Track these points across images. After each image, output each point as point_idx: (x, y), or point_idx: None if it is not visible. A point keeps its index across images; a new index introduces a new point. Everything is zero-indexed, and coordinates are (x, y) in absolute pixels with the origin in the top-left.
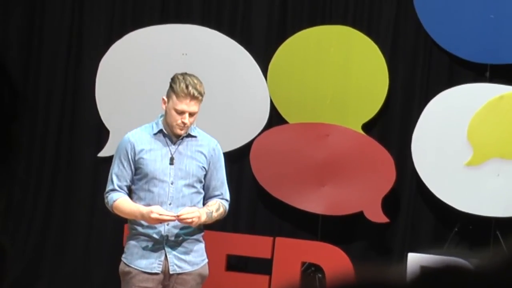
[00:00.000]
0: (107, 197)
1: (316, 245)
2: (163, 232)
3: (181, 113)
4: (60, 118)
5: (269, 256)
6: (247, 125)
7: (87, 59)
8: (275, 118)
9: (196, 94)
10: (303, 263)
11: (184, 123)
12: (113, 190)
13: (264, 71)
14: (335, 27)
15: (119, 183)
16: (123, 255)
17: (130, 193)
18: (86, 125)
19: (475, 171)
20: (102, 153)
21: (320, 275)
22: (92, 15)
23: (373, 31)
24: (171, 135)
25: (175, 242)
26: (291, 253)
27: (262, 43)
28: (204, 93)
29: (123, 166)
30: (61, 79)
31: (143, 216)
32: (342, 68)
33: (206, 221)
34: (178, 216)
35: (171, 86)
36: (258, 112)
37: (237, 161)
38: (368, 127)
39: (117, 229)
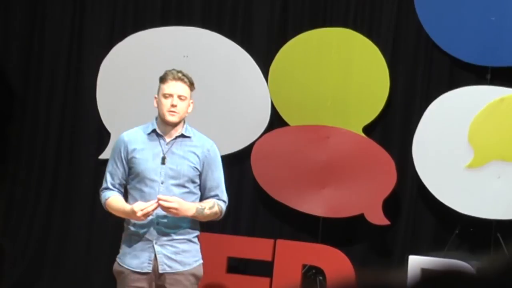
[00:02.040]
0: (101, 194)
1: (317, 247)
2: (153, 232)
3: (169, 96)
4: (61, 120)
5: (270, 259)
6: (248, 127)
7: (88, 61)
8: (276, 121)
9: (181, 75)
10: (304, 266)
11: (173, 106)
12: (107, 188)
13: (265, 73)
14: (336, 30)
15: (113, 182)
16: (118, 255)
17: (126, 192)
18: (87, 127)
19: (476, 174)
20: (103, 155)
21: (321, 278)
22: (93, 17)
23: (374, 33)
24: (165, 133)
25: (165, 242)
26: (292, 256)
27: (263, 46)
28: (192, 81)
29: (117, 165)
30: (62, 81)
31: (128, 215)
32: (343, 70)
33: (196, 217)
34: (158, 199)
35: (159, 80)
36: (259, 114)
37: (238, 163)
38: (369, 129)
39: (117, 230)
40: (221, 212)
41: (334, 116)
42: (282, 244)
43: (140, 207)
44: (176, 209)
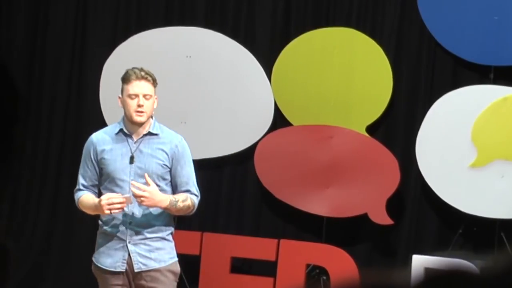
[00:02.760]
0: (74, 196)
1: (321, 247)
2: (126, 231)
3: (135, 96)
4: (64, 121)
5: (273, 259)
6: (251, 127)
7: (91, 62)
8: (279, 121)
9: (144, 74)
10: (308, 265)
11: (140, 106)
12: (79, 190)
13: (268, 73)
14: (339, 29)
15: (85, 183)
16: (94, 254)
17: (100, 193)
18: (90, 128)
19: (479, 173)
20: None
21: (324, 277)
22: (96, 17)
23: (377, 33)
24: (132, 132)
25: (138, 240)
26: (296, 255)
27: (266, 46)
28: (155, 78)
29: (87, 166)
30: (65, 82)
31: (97, 209)
32: (346, 70)
33: (170, 209)
34: (132, 185)
35: (122, 80)
36: (262, 114)
37: (242, 163)
38: (372, 129)
39: None
40: (193, 206)
41: (337, 115)
42: (286, 244)
43: (105, 197)
44: (147, 198)
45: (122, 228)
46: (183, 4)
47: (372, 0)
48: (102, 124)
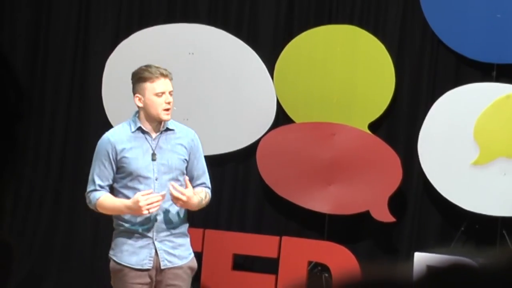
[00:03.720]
0: (88, 196)
1: (323, 244)
2: (151, 228)
3: (162, 94)
4: (66, 118)
5: (275, 256)
6: (254, 124)
7: (94, 59)
8: (282, 118)
9: (165, 72)
10: (310, 263)
11: (169, 103)
12: (95, 190)
13: (271, 70)
14: (342, 27)
15: (101, 183)
16: (111, 252)
17: (114, 191)
18: (93, 125)
19: (482, 171)
20: None
21: (326, 275)
22: (98, 14)
23: (380, 30)
24: (150, 129)
25: (163, 237)
26: (298, 253)
27: (269, 42)
28: (171, 75)
29: (104, 166)
30: (68, 79)
31: (129, 209)
32: (349, 67)
33: (193, 207)
34: (172, 185)
35: (139, 79)
36: (265, 111)
37: (244, 160)
38: (374, 126)
39: None
40: (209, 199)
41: (339, 113)
42: (288, 241)
43: (143, 198)
44: (184, 202)
45: (148, 225)
46: (186, 1)
47: None
48: (104, 121)
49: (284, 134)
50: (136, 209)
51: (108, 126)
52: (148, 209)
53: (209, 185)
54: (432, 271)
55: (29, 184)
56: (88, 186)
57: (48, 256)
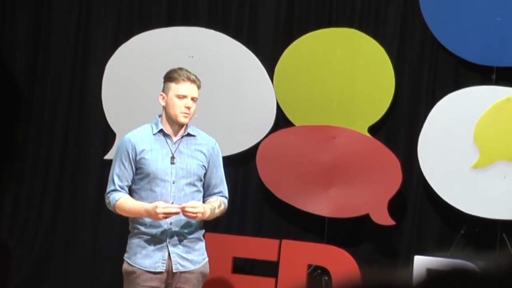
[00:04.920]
0: (108, 197)
1: (322, 247)
2: (166, 231)
3: (183, 97)
4: (66, 121)
5: (275, 259)
6: (253, 127)
7: (94, 62)
8: (282, 121)
9: (193, 78)
10: (309, 266)
11: (188, 108)
12: (115, 190)
13: (271, 73)
14: (342, 30)
15: (121, 183)
16: (126, 255)
17: (131, 192)
18: (93, 128)
19: (482, 174)
20: (109, 156)
21: (326, 278)
22: (98, 17)
23: (380, 33)
24: (171, 133)
25: (177, 241)
26: (297, 256)
27: (269, 46)
28: (200, 83)
29: (124, 166)
30: (68, 82)
31: (148, 213)
32: (349, 70)
33: (209, 217)
34: (183, 207)
35: (168, 78)
36: (264, 114)
37: (243, 163)
38: (374, 129)
39: (124, 231)
40: (225, 209)
41: (339, 116)
42: (288, 244)
43: (163, 205)
44: (202, 213)
45: (162, 228)
46: (186, 4)
47: (375, 1)
48: (104, 124)
49: (284, 137)
50: (153, 215)
51: (108, 129)
52: (164, 217)
53: (226, 195)
54: (432, 274)
55: (28, 186)
56: (108, 186)
57: (48, 259)
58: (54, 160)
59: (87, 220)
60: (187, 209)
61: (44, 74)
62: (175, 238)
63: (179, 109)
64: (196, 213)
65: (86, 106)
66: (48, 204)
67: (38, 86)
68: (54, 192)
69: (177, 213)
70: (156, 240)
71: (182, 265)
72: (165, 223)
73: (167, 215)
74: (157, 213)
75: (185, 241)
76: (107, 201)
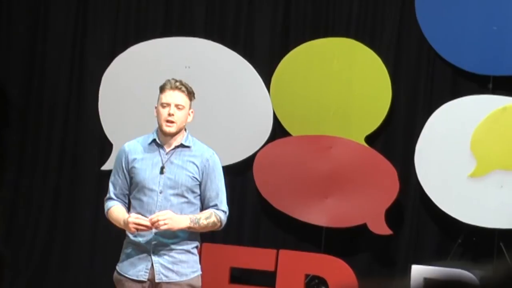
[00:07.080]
0: (104, 204)
1: (320, 257)
2: (151, 241)
3: (167, 105)
4: (63, 131)
5: (272, 269)
6: (250, 137)
7: (91, 72)
8: (278, 131)
9: (178, 85)
10: (307, 275)
11: (170, 115)
12: (110, 198)
13: (267, 83)
14: (338, 40)
15: (115, 192)
16: (118, 263)
17: (129, 201)
18: (89, 138)
19: (479, 183)
20: (106, 167)
21: (323, 287)
22: (95, 28)
23: (376, 43)
24: (164, 143)
25: (162, 251)
26: (295, 266)
27: (265, 56)
28: (191, 90)
29: (118, 175)
30: (65, 92)
31: (125, 223)
32: (345, 80)
33: (193, 227)
34: (150, 219)
35: (159, 90)
36: (261, 124)
37: (240, 173)
38: (371, 139)
39: (121, 241)
40: (220, 222)
41: (336, 126)
42: (285, 254)
43: (134, 216)
44: (170, 219)
45: (147, 238)
46: (182, 14)
47: (371, 11)
48: (101, 134)
49: (280, 147)
50: (128, 226)
51: (105, 139)
52: (136, 229)
53: (223, 208)
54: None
55: (25, 196)
56: (107, 193)
57: (46, 268)
58: (51, 170)
59: (85, 231)
60: (153, 220)
61: (41, 85)
62: (160, 248)
63: (162, 117)
64: (163, 220)
65: (83, 117)
66: (46, 216)
67: (34, 97)
68: (52, 204)
69: (148, 226)
70: (142, 249)
71: (165, 276)
72: (151, 233)
73: (139, 227)
74: (128, 223)
75: (172, 252)
76: (105, 207)
